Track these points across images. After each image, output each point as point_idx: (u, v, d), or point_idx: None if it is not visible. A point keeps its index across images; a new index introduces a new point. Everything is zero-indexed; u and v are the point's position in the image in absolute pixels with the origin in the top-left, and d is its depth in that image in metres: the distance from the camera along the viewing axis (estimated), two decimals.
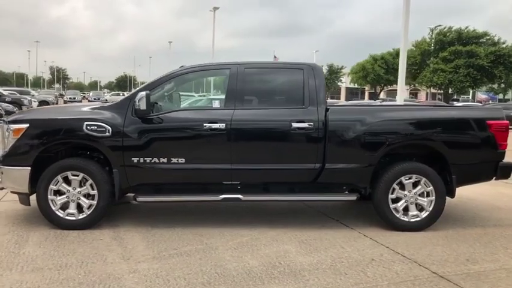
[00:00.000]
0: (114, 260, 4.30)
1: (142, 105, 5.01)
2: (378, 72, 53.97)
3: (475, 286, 3.88)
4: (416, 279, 3.98)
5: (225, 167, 5.22)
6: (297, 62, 5.62)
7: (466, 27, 44.76)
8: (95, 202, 5.17)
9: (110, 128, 5.10)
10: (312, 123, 5.23)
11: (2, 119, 6.57)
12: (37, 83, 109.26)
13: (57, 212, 5.16)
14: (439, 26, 46.16)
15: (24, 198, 5.31)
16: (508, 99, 55.03)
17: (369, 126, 5.26)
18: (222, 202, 5.40)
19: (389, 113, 5.48)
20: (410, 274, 4.09)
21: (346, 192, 5.63)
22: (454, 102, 42.69)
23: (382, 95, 61.77)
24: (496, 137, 5.37)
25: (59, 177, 5.14)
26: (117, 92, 73.73)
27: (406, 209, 5.37)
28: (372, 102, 28.39)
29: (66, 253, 4.45)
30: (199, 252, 4.54)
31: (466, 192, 6.88)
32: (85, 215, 5.18)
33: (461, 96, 54.80)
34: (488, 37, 44.84)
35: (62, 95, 61.95)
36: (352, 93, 78.96)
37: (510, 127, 6.01)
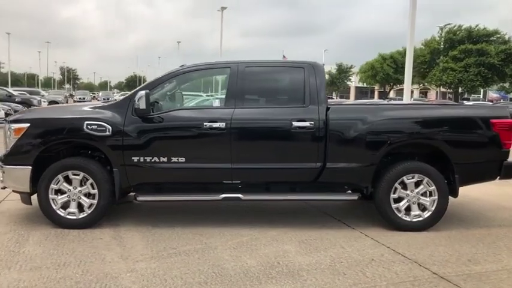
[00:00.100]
0: (113, 259, 4.30)
1: (142, 105, 5.01)
2: (387, 72, 53.68)
3: (475, 287, 3.82)
4: (416, 280, 3.93)
5: (225, 166, 5.20)
6: (297, 61, 5.58)
7: (476, 26, 44.31)
8: (95, 201, 5.18)
9: (110, 127, 5.10)
10: (312, 122, 5.19)
11: (6, 118, 6.61)
12: (48, 84, 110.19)
13: (58, 211, 5.18)
14: (449, 24, 45.77)
15: (25, 198, 5.33)
16: None
17: (370, 125, 5.20)
18: (223, 202, 5.39)
19: (390, 111, 5.42)
20: (410, 274, 4.04)
21: (349, 191, 5.59)
22: (464, 102, 42.25)
23: (391, 94, 61.41)
24: (500, 136, 5.29)
25: (60, 177, 5.16)
26: (126, 92, 73.98)
27: (408, 209, 5.31)
28: (380, 101, 28.20)
29: (65, 252, 4.46)
30: (198, 252, 4.52)
31: (471, 192, 6.81)
32: (86, 214, 5.20)
33: (472, 95, 54.21)
34: (498, 35, 44.33)
35: (71, 95, 62.44)
36: (361, 93, 78.59)
37: None
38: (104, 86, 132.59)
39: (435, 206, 5.26)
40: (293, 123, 5.18)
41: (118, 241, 4.83)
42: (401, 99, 31.56)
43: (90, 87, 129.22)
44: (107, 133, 5.10)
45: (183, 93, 10.32)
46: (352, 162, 5.24)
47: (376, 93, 74.51)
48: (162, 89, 5.49)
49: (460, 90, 46.24)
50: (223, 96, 5.59)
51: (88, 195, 5.22)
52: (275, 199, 5.74)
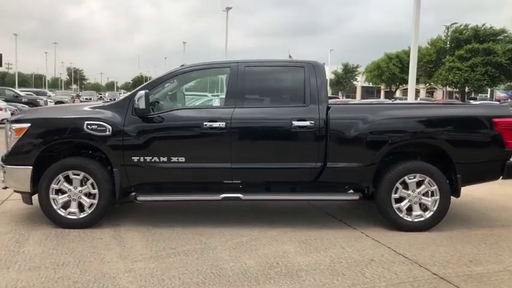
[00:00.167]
0: (112, 259, 4.29)
1: (142, 104, 5.00)
2: (393, 71, 53.47)
3: None
4: (416, 281, 3.89)
5: (225, 166, 5.19)
6: (298, 60, 5.56)
7: (483, 25, 43.98)
8: (95, 201, 5.19)
9: (110, 127, 5.11)
10: (313, 122, 5.17)
11: (7, 118, 6.63)
12: (55, 84, 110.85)
13: (58, 211, 5.19)
14: (455, 23, 45.46)
15: (26, 198, 5.35)
16: None
17: (370, 124, 5.17)
18: (223, 201, 5.38)
19: (391, 111, 5.38)
20: (409, 275, 4.00)
21: (351, 191, 5.55)
22: (471, 101, 41.97)
23: (398, 94, 61.13)
24: (502, 135, 5.23)
25: (60, 176, 5.17)
26: None
27: (409, 209, 5.27)
28: (386, 101, 28.08)
29: (64, 252, 4.46)
30: (197, 252, 4.51)
31: (474, 192, 6.75)
32: (86, 214, 5.20)
33: (479, 94, 53.84)
34: (505, 34, 43.97)
35: (78, 96, 62.74)
36: (368, 92, 78.31)
37: None
38: (110, 86, 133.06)
39: (437, 206, 5.22)
40: (293, 122, 5.16)
41: (118, 241, 4.83)
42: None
43: (97, 87, 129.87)
44: (107, 133, 5.10)
45: (189, 93, 10.33)
46: (353, 162, 5.21)
47: (382, 92, 74.22)
48: (162, 88, 5.48)
49: (466, 89, 45.90)
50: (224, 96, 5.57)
51: (88, 195, 5.23)
52: (275, 199, 5.71)
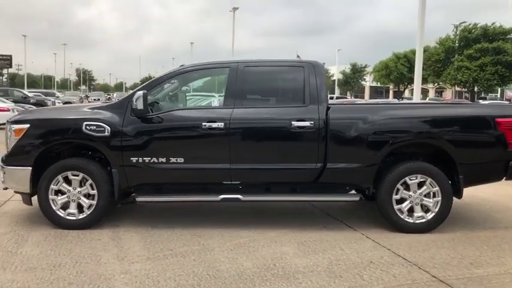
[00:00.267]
0: (108, 260, 4.28)
1: (140, 105, 4.99)
2: (401, 71, 53.16)
3: None
4: (414, 283, 3.83)
5: (224, 166, 5.15)
6: (297, 60, 5.53)
7: (493, 24, 43.52)
8: (94, 202, 5.18)
9: (108, 127, 5.10)
10: (312, 122, 5.12)
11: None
12: (64, 85, 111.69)
13: (57, 212, 5.19)
14: (464, 22, 45.04)
15: (26, 198, 5.36)
16: None
17: (371, 124, 5.11)
18: (223, 202, 5.35)
19: (392, 111, 5.31)
20: (408, 278, 3.94)
21: (352, 192, 5.50)
22: (480, 101, 41.54)
23: (406, 94, 60.75)
24: (505, 135, 5.14)
25: (60, 177, 5.17)
26: None
27: (411, 210, 5.20)
28: (393, 100, 27.91)
29: (62, 253, 4.45)
30: (194, 254, 4.48)
31: (479, 193, 6.67)
32: (85, 215, 5.19)
33: (489, 94, 53.29)
34: None
35: (87, 97, 63.13)
36: (376, 92, 77.95)
37: None
38: (119, 87, 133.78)
39: (439, 208, 5.14)
40: (293, 123, 5.11)
41: (116, 242, 4.81)
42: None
43: (105, 88, 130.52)
44: (106, 134, 5.09)
45: (196, 93, 10.29)
46: (353, 163, 5.15)
47: (391, 92, 73.83)
48: (161, 89, 5.46)
49: (476, 89, 45.45)
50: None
51: (88, 195, 5.22)
52: (275, 200, 5.66)
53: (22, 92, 29.84)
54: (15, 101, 23.26)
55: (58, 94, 44.39)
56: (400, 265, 4.23)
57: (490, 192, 6.94)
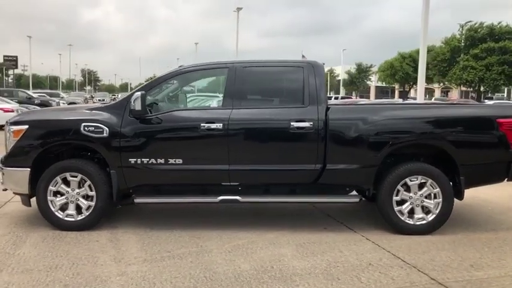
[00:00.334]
0: (105, 262, 4.26)
1: (138, 106, 4.97)
2: (406, 71, 52.94)
3: None
4: (413, 286, 3.79)
5: (222, 167, 5.12)
6: (297, 60, 5.48)
7: (499, 23, 43.23)
8: (93, 203, 5.16)
9: (107, 128, 5.08)
10: (312, 123, 5.08)
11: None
12: (70, 86, 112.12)
13: (56, 213, 5.18)
14: (470, 22, 44.77)
15: (25, 199, 5.35)
16: None
17: (371, 125, 5.06)
18: (223, 204, 5.32)
19: (392, 111, 5.26)
20: (406, 280, 3.90)
21: (353, 193, 5.46)
22: (486, 101, 41.26)
23: (412, 93, 60.46)
24: (507, 136, 5.08)
25: (58, 178, 5.16)
26: None
27: (411, 212, 5.15)
28: (399, 100, 27.77)
29: (59, 254, 4.44)
30: (191, 255, 4.46)
31: (481, 194, 6.60)
32: (84, 216, 5.18)
33: (496, 94, 52.95)
34: None
35: (92, 97, 63.39)
36: (382, 92, 77.61)
37: None
38: (124, 87, 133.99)
39: (439, 209, 5.09)
40: (292, 123, 5.08)
41: (114, 243, 4.80)
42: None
43: (111, 89, 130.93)
44: (104, 134, 5.08)
45: (200, 94, 10.27)
46: (353, 164, 5.11)
47: (396, 92, 73.52)
48: (159, 89, 5.45)
49: (482, 89, 45.16)
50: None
51: (86, 197, 5.21)
52: (274, 201, 5.63)
53: (26, 93, 29.98)
54: (19, 102, 23.36)
55: (63, 95, 44.60)
56: (399, 267, 4.19)
57: (491, 193, 6.87)
